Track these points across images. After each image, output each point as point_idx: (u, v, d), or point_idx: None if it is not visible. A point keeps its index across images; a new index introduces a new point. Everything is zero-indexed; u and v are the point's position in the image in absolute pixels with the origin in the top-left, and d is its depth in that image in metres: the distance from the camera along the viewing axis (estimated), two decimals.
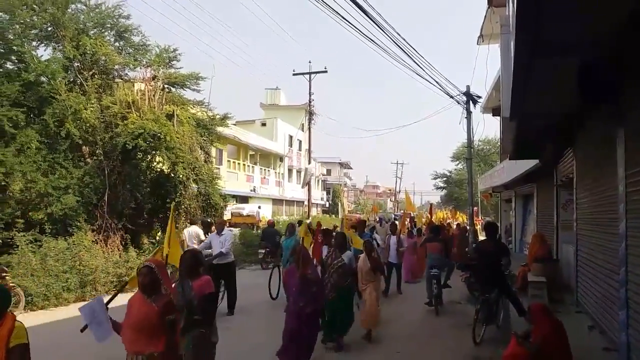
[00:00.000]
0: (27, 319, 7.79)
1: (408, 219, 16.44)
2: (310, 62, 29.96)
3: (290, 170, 44.68)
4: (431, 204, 39.98)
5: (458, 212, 38.66)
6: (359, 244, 8.87)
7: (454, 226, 21.39)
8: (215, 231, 9.12)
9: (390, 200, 73.94)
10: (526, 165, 12.48)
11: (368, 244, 7.98)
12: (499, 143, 29.74)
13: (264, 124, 40.77)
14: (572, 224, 9.60)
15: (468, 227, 19.58)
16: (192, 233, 10.69)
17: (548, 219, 13.10)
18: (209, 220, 11.06)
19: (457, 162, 55.11)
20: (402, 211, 40.64)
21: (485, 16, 16.93)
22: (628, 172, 4.94)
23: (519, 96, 4.73)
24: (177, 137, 14.90)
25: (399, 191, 74.10)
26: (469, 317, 7.98)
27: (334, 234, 8.41)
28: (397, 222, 14.90)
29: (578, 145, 8.14)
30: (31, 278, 9.88)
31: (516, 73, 4.05)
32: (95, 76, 14.97)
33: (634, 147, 4.81)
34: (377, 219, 20.07)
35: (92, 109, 14.09)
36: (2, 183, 12.19)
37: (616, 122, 5.29)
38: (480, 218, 34.59)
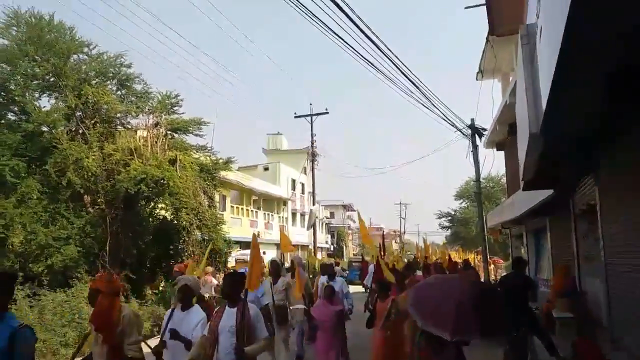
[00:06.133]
0: None
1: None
2: (311, 104, 30.55)
3: (294, 214, 44.22)
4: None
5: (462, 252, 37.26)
6: None
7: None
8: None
9: (395, 242, 72.88)
10: (539, 196, 12.08)
11: None
12: (502, 179, 29.52)
13: (266, 169, 40.77)
14: (593, 256, 9.11)
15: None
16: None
17: (565, 252, 12.57)
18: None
19: (461, 200, 54.63)
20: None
21: (483, 51, 17.04)
22: None
23: (555, 106, 4.35)
24: (181, 182, 14.68)
25: (404, 232, 73.17)
26: None
27: None
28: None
29: (602, 170, 7.79)
30: None
31: (556, 81, 3.69)
32: (98, 125, 14.93)
33: None
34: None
35: (93, 157, 13.93)
36: (2, 235, 11.87)
37: None
38: (494, 258, 33.07)
